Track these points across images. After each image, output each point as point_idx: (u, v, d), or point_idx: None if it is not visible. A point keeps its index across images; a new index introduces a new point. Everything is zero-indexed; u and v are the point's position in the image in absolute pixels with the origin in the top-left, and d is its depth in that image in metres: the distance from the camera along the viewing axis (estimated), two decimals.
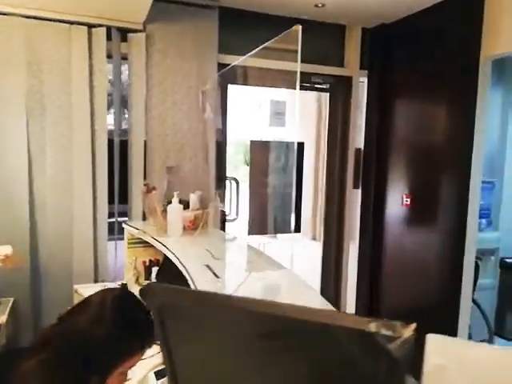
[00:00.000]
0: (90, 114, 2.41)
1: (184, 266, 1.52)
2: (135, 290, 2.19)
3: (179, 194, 2.32)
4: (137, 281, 2.33)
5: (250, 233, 3.06)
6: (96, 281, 2.51)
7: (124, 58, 2.50)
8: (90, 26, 2.35)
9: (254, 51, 2.23)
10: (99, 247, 2.52)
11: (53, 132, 2.37)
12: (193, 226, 2.21)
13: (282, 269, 1.51)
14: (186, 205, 2.29)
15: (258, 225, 3.18)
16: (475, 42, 2.36)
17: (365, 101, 3.24)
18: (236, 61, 2.79)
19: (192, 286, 1.36)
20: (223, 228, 2.93)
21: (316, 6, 2.63)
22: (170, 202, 2.15)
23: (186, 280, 1.38)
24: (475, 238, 2.57)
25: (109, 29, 2.38)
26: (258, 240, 3.79)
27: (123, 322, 0.95)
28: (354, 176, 3.34)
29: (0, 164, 2.28)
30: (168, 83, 2.57)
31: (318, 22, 2.98)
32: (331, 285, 3.46)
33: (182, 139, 2.62)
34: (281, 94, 3.12)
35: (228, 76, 2.83)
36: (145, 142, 2.55)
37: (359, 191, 3.37)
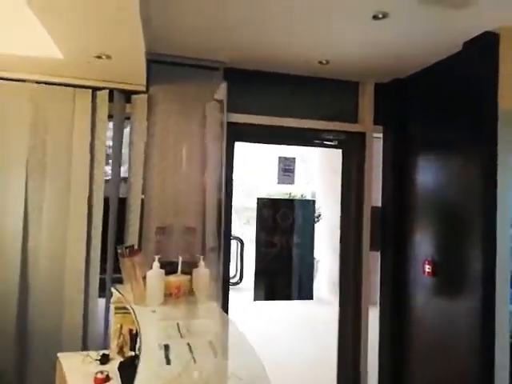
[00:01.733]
0: (89, 173, 2.42)
1: (140, 345, 1.36)
2: (117, 361, 2.04)
3: (170, 257, 2.21)
4: (120, 351, 2.16)
5: (255, 298, 2.84)
6: (85, 347, 2.38)
7: (128, 118, 2.54)
8: (94, 89, 2.43)
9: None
10: (90, 310, 2.42)
11: (51, 190, 2.39)
12: (179, 293, 2.06)
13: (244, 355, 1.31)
14: (175, 269, 2.16)
15: (266, 289, 2.96)
16: (492, 95, 2.16)
17: (381, 157, 3.06)
18: (244, 119, 2.77)
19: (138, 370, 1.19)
20: (226, 293, 2.75)
21: (320, 62, 2.58)
22: None
23: None
24: (507, 312, 2.21)
25: (111, 91, 2.44)
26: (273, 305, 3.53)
27: None
28: (371, 236, 3.08)
29: None
30: (169, 143, 2.56)
31: (330, 79, 2.92)
32: (349, 355, 3.10)
33: (181, 199, 2.55)
34: (290, 150, 3.02)
35: (236, 134, 2.79)
36: (142, 200, 2.50)
37: (378, 254, 3.09)
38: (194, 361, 1.30)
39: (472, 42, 2.22)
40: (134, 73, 2.28)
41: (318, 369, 3.63)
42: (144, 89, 2.50)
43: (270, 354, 3.83)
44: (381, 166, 3.10)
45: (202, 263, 2.03)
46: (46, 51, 1.99)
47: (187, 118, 2.59)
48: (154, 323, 1.66)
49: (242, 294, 3.41)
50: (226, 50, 2.47)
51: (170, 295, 2.04)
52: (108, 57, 2.02)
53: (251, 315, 4.15)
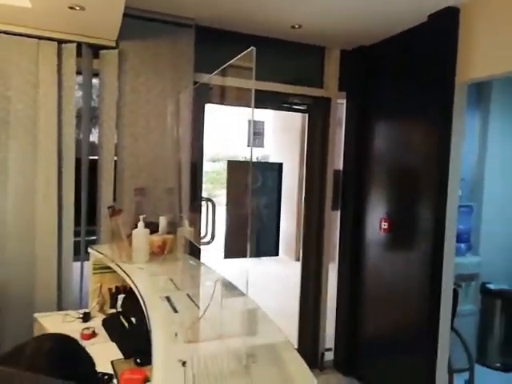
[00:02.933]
0: (57, 131, 2.31)
1: (142, 299, 1.41)
2: (99, 318, 2.07)
3: (149, 218, 2.23)
4: (101, 309, 2.20)
5: (226, 256, 2.96)
6: (60, 309, 2.37)
7: (96, 74, 2.43)
8: (60, 42, 2.28)
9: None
10: (64, 271, 2.39)
11: (16, 150, 2.26)
12: (161, 252, 2.11)
13: (241, 296, 1.42)
14: (156, 229, 2.19)
15: (235, 248, 3.08)
16: (451, 66, 2.36)
17: (343, 122, 3.22)
18: (213, 80, 2.75)
19: (147, 321, 1.26)
20: (198, 252, 2.83)
21: (293, 27, 2.62)
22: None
23: None
24: (453, 263, 2.52)
25: (79, 45, 2.31)
26: (241, 263, 3.67)
27: (59, 376, 0.84)
28: (332, 197, 3.29)
29: None
30: (141, 101, 2.50)
31: (298, 43, 2.97)
32: (310, 307, 3.36)
33: (155, 159, 2.54)
34: (259, 114, 3.07)
35: (204, 95, 2.78)
36: (115, 161, 2.46)
37: (338, 213, 3.32)
38: (198, 307, 1.38)
39: (436, 15, 2.38)
40: (106, 27, 2.17)
41: (280, 322, 3.89)
42: (114, 44, 2.39)
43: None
44: (343, 130, 3.27)
45: (186, 222, 2.08)
46: None
47: (158, 76, 2.53)
48: (146, 279, 1.71)
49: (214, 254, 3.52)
50: (198, 7, 2.42)
51: (152, 253, 2.09)
52: (82, 8, 1.91)
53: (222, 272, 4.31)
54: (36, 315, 2.16)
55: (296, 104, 3.10)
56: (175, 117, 2.59)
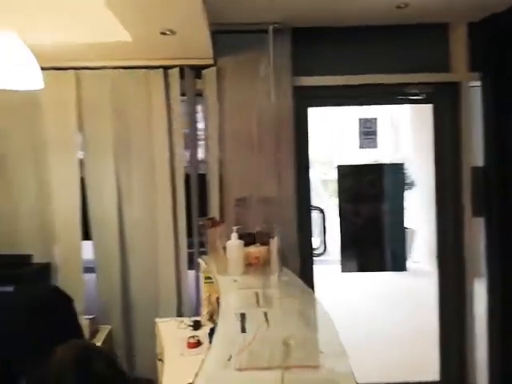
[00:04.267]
0: (169, 151, 2.50)
1: (220, 312, 1.36)
2: (208, 327, 2.11)
3: (248, 229, 2.20)
4: (211, 318, 2.24)
5: (343, 270, 2.72)
6: (180, 314, 2.53)
7: (200, 94, 2.55)
8: (166, 68, 2.48)
9: None
10: (182, 280, 2.55)
11: (138, 171, 2.53)
12: (259, 264, 2.04)
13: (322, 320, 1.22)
14: (254, 240, 2.14)
15: (354, 261, 2.81)
16: None
17: (479, 109, 2.65)
18: (316, 82, 2.61)
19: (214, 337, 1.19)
20: (310, 264, 2.68)
21: (398, 7, 2.28)
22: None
23: None
24: None
25: (182, 68, 2.47)
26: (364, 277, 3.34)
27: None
28: (472, 201, 2.72)
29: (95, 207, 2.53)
30: (240, 113, 2.52)
31: (410, 25, 2.59)
32: (453, 331, 2.82)
33: (256, 170, 2.51)
34: (371, 111, 2.78)
35: (307, 98, 2.66)
36: (220, 175, 2.53)
37: (481, 220, 2.72)
38: (267, 328, 1.25)
39: None
40: (200, 46, 2.27)
41: (415, 347, 3.39)
42: (212, 62, 2.49)
43: (360, 329, 3.69)
44: (480, 119, 2.69)
45: (276, 234, 1.98)
46: (116, 36, 2.07)
47: (256, 86, 2.51)
48: (233, 292, 1.66)
49: (328, 267, 3.32)
50: (289, 9, 2.31)
51: (250, 265, 2.04)
52: (172, 32, 2.02)
53: (338, 288, 4.03)
54: (157, 320, 2.34)
55: (414, 94, 2.69)
56: (275, 125, 2.53)
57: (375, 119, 2.72)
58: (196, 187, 2.56)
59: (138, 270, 2.56)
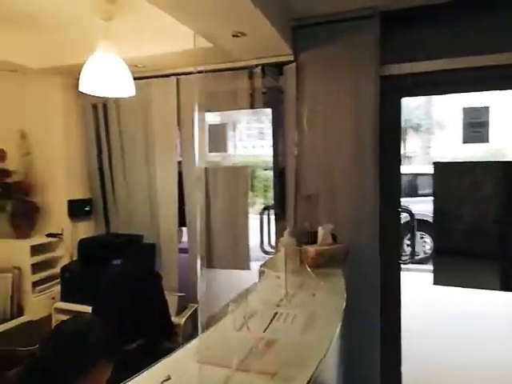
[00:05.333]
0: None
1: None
2: None
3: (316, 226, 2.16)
4: None
5: (436, 282, 2.40)
6: None
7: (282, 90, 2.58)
8: (250, 68, 2.58)
9: None
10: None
11: (223, 164, 2.73)
12: (314, 264, 1.98)
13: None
14: (315, 239, 2.09)
15: (451, 273, 2.45)
16: None
17: None
18: (408, 69, 2.35)
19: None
20: (396, 270, 2.44)
21: None
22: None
23: None
24: None
25: (263, 67, 2.53)
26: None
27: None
28: None
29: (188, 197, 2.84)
30: (321, 108, 2.45)
31: None
32: None
33: (337, 166, 2.41)
34: (481, 98, 2.34)
35: (399, 88, 2.41)
36: (296, 170, 2.52)
37: None
38: (266, 330, 1.25)
39: None
40: (277, 44, 2.29)
41: None
42: (292, 58, 2.47)
43: (457, 356, 3.15)
44: None
45: (328, 235, 1.89)
46: (201, 43, 2.26)
47: (339, 80, 2.40)
48: (266, 288, 1.68)
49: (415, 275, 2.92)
50: None
51: (307, 264, 2.00)
52: (243, 34, 2.11)
53: (430, 301, 3.50)
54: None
55: None
56: (358, 118, 2.38)
57: (486, 108, 2.28)
58: (278, 181, 2.61)
59: (220, 256, 2.77)
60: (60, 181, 3.09)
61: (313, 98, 2.47)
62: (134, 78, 2.89)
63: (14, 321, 2.75)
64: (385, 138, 2.41)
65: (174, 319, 2.62)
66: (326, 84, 2.44)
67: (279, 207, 2.52)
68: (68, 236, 3.07)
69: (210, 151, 2.87)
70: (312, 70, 2.46)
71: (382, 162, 2.41)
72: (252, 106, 2.61)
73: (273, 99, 2.60)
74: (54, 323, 2.75)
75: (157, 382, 0.92)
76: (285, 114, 2.56)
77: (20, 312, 2.82)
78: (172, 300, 2.83)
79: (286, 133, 2.56)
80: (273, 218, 2.64)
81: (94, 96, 2.23)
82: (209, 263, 2.85)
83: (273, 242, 2.69)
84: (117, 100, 3.00)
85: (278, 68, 2.55)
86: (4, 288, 2.71)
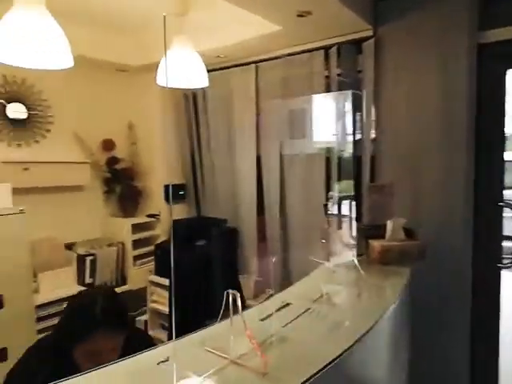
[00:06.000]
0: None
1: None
2: None
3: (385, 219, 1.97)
4: None
5: None
6: None
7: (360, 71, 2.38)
8: (326, 48, 2.44)
9: None
10: None
11: (297, 147, 2.67)
12: (379, 260, 1.81)
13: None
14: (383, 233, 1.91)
15: None
16: None
17: None
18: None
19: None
20: (495, 274, 2.08)
21: None
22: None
23: None
24: None
25: (339, 46, 2.36)
26: None
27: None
28: None
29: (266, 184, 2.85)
30: (402, 88, 2.19)
31: None
32: None
33: (416, 150, 2.14)
34: None
35: (504, 57, 2.01)
36: (372, 157, 2.31)
37: None
38: (286, 325, 1.20)
39: None
40: (346, 20, 2.11)
41: None
42: (371, 33, 2.25)
43: None
44: None
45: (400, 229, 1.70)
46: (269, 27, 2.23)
47: (424, 56, 2.10)
48: (311, 282, 1.61)
49: None
50: None
51: (374, 259, 1.85)
52: (309, 13, 2.00)
53: None
54: None
55: None
56: (450, 97, 2.06)
57: None
58: (355, 168, 2.45)
59: (296, 246, 2.74)
60: (158, 167, 3.41)
61: (394, 76, 2.22)
62: (217, 69, 3.03)
63: (118, 288, 3.17)
64: (483, 119, 2.05)
65: (248, 302, 2.71)
66: (409, 60, 2.17)
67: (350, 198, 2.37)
68: (164, 217, 3.38)
69: (291, 138, 2.83)
70: (393, 46, 2.21)
71: (479, 148, 2.07)
72: (328, 89, 2.47)
73: (350, 80, 2.42)
74: (148, 293, 3.09)
75: (153, 363, 0.97)
76: (363, 97, 2.36)
77: (123, 281, 3.24)
78: (249, 283, 2.92)
79: (364, 117, 2.36)
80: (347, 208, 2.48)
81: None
82: (285, 250, 2.84)
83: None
84: (204, 90, 3.16)
85: (356, 46, 2.36)
86: (111, 259, 3.14)
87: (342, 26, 2.22)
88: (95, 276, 3.03)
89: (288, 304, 1.35)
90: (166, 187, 3.38)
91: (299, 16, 2.04)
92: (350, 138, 2.45)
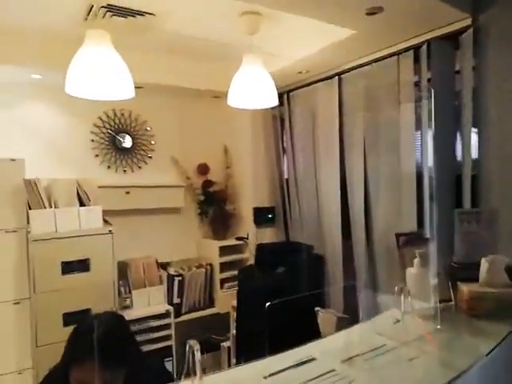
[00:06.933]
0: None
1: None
2: None
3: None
4: None
5: None
6: None
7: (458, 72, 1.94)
8: (415, 48, 2.07)
9: None
10: None
11: (384, 166, 2.31)
12: (469, 310, 1.37)
13: None
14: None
15: None
16: None
17: None
18: None
19: None
20: None
21: None
22: None
23: None
24: None
25: (429, 43, 1.97)
26: None
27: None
28: None
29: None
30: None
31: None
32: None
33: None
34: None
35: None
36: (473, 177, 1.82)
37: None
38: None
39: None
40: (433, 11, 1.75)
41: None
42: (469, 22, 1.82)
43: None
44: None
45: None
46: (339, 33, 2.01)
47: None
48: (368, 329, 1.29)
49: None
50: None
51: (462, 309, 1.42)
52: (380, 9, 1.72)
53: None
54: None
55: None
56: None
57: None
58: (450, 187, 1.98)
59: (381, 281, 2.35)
60: (249, 190, 3.39)
61: (500, 73, 1.73)
62: (301, 86, 2.88)
63: (207, 310, 3.20)
64: None
65: None
66: None
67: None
68: (252, 240, 3.32)
69: (377, 155, 2.48)
70: (498, 36, 1.74)
71: None
72: (419, 98, 2.08)
73: (445, 83, 1.99)
74: (231, 318, 3.02)
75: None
76: (461, 102, 1.91)
77: (211, 304, 3.25)
78: (330, 319, 2.61)
79: (462, 128, 1.91)
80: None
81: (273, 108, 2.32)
82: (372, 284, 2.47)
83: None
84: (290, 109, 3.04)
85: (452, 42, 1.93)
86: (199, 281, 3.20)
87: (430, 19, 1.85)
88: (183, 296, 3.11)
89: (312, 359, 1.09)
90: (255, 210, 3.32)
91: (368, 14, 1.77)
92: (447, 156, 2.00)
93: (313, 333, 2.46)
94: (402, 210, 2.22)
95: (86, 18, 2.02)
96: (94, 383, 1.08)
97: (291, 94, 3.01)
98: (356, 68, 2.40)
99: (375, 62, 2.28)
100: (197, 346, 0.77)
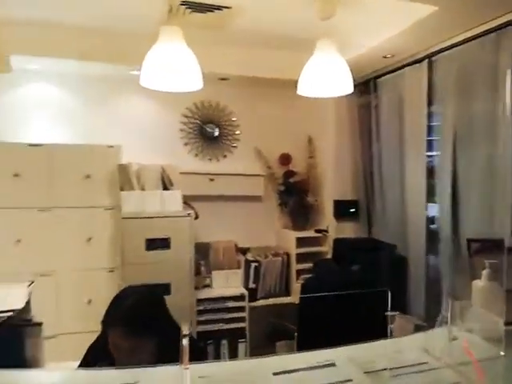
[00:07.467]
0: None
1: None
2: None
3: None
4: None
5: None
6: None
7: None
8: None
9: None
10: None
11: (477, 160, 2.03)
12: None
13: None
14: None
15: None
16: None
17: None
18: None
19: None
20: None
21: None
22: None
23: None
24: None
25: None
26: None
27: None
28: None
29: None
30: None
31: None
32: None
33: None
34: None
35: None
36: None
37: None
38: None
39: None
40: None
41: None
42: None
43: None
44: None
45: None
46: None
47: None
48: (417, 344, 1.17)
49: None
50: None
51: None
52: None
53: None
54: None
55: None
56: None
57: None
58: None
59: None
60: (331, 181, 3.29)
61: None
62: (387, 72, 2.68)
63: (282, 298, 3.22)
64: None
65: None
66: None
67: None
68: (332, 234, 3.22)
69: (470, 148, 2.18)
70: None
71: None
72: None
73: None
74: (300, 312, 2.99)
75: None
76: None
77: (287, 293, 3.26)
78: (407, 326, 2.40)
79: None
80: None
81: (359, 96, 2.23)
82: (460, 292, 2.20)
83: None
84: (378, 96, 2.84)
85: None
86: (275, 269, 3.22)
87: None
88: (258, 282, 3.18)
89: (331, 364, 1.03)
90: (336, 203, 3.22)
91: None
92: None
93: (375, 337, 2.31)
94: (496, 209, 1.93)
95: (168, 17, 2.17)
96: (126, 346, 1.19)
97: (378, 80, 2.81)
98: (445, 50, 2.13)
99: (466, 42, 1.99)
100: (186, 332, 0.79)
